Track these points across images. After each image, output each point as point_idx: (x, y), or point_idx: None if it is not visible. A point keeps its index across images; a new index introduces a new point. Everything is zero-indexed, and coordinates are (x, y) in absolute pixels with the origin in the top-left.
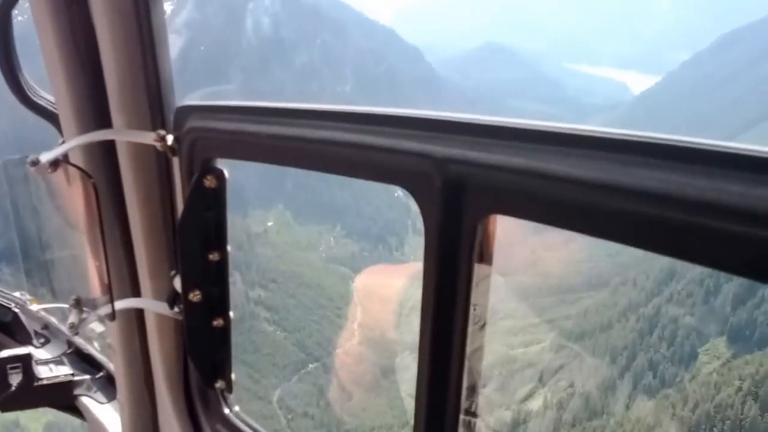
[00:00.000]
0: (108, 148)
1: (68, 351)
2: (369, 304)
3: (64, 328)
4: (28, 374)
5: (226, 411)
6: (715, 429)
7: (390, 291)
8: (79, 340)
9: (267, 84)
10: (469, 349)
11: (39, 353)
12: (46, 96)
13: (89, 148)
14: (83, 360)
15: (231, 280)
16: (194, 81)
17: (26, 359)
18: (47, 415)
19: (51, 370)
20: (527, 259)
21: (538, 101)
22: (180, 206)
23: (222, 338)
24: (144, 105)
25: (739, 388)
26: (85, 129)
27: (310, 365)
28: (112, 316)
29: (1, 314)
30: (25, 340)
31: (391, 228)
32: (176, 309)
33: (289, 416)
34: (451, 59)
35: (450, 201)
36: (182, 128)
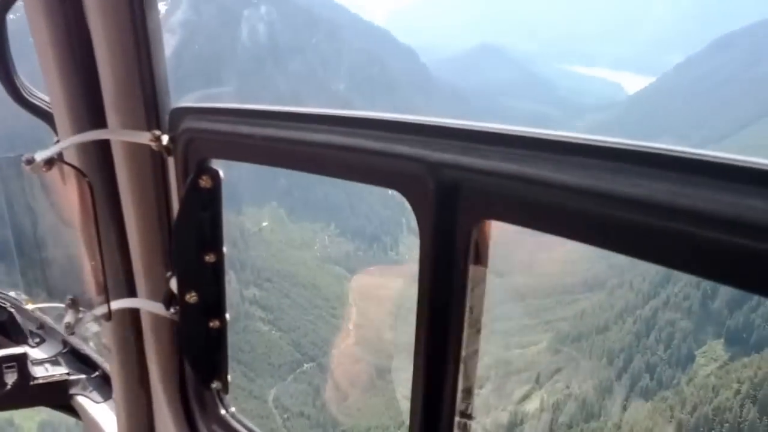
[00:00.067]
0: (103, 148)
1: (64, 350)
2: (365, 304)
3: (60, 328)
4: (24, 374)
5: (222, 412)
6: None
7: (386, 292)
8: (74, 340)
9: (262, 82)
10: (464, 351)
11: (34, 353)
12: (40, 95)
13: (84, 148)
14: (79, 359)
15: (225, 279)
16: (190, 81)
17: (22, 359)
18: (41, 414)
19: (46, 369)
20: (523, 260)
21: (532, 101)
22: (175, 207)
23: (218, 339)
24: (139, 105)
25: (738, 391)
26: (79, 128)
27: (306, 365)
28: (108, 316)
29: None
30: (21, 339)
31: (385, 227)
32: (172, 310)
33: (285, 416)
34: (446, 60)
35: (444, 205)
36: (177, 129)
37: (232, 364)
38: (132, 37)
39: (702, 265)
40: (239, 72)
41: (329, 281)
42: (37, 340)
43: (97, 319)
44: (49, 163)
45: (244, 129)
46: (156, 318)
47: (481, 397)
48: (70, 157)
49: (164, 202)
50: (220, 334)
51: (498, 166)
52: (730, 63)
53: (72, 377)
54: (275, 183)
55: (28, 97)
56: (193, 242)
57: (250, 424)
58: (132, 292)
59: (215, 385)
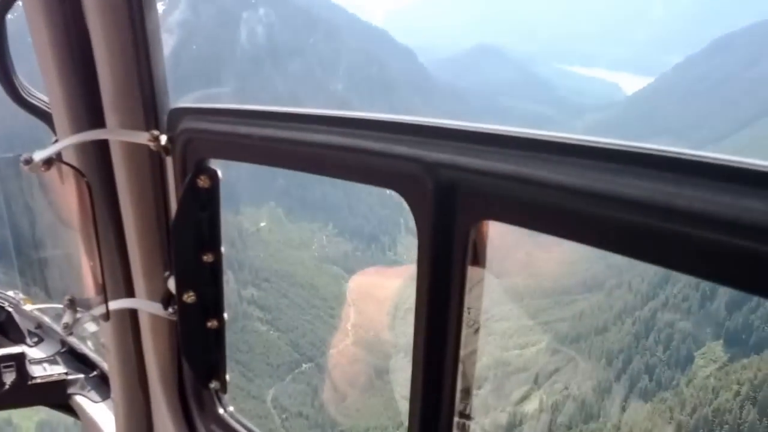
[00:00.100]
0: (101, 148)
1: (62, 350)
2: (363, 305)
3: (58, 328)
4: (22, 373)
5: (221, 411)
6: None
7: (384, 292)
8: (72, 340)
9: (260, 82)
10: (463, 352)
11: (32, 352)
12: (39, 95)
13: (83, 147)
14: (77, 359)
15: (223, 279)
16: (187, 82)
17: (20, 358)
18: (40, 413)
19: (45, 369)
20: (521, 260)
21: (531, 101)
22: (173, 207)
23: (216, 339)
24: (137, 105)
25: (738, 393)
26: (78, 128)
27: (304, 365)
28: (107, 316)
29: None
30: (19, 339)
31: (383, 227)
32: (170, 310)
33: (284, 416)
34: (444, 60)
35: (442, 205)
36: (176, 129)
37: (230, 364)
38: (131, 37)
39: (699, 266)
40: (237, 72)
41: (327, 281)
42: (36, 339)
43: (95, 319)
44: (48, 162)
45: (243, 129)
46: (154, 318)
47: (479, 397)
48: (69, 157)
49: (162, 202)
50: (219, 333)
51: (496, 167)
52: (729, 63)
53: (70, 377)
54: (273, 183)
55: (26, 97)
56: (191, 242)
57: (248, 424)
58: (130, 292)
59: (213, 384)
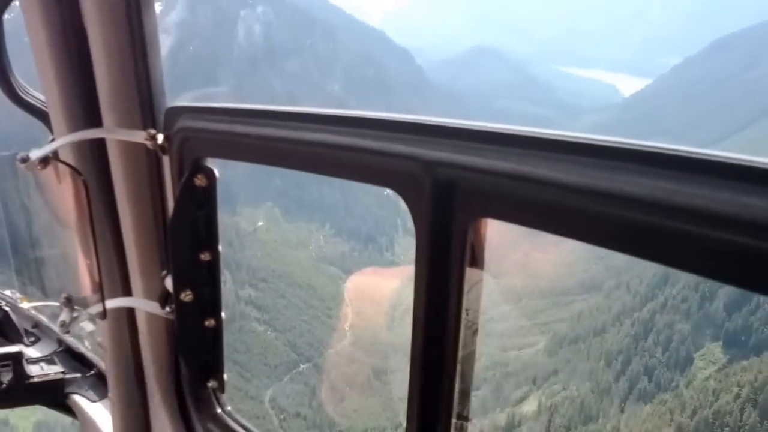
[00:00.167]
0: (98, 147)
1: (59, 349)
2: (360, 305)
3: (55, 327)
4: (19, 372)
5: (218, 410)
6: None
7: (382, 293)
8: (69, 339)
9: (257, 83)
10: (461, 353)
11: (29, 351)
12: (35, 94)
13: (79, 146)
14: (74, 358)
15: (221, 278)
16: (184, 81)
17: (17, 357)
18: (37, 414)
19: (42, 368)
20: (519, 260)
21: (528, 103)
22: (170, 205)
23: (214, 338)
24: (134, 104)
25: (738, 395)
26: (75, 127)
27: (302, 365)
28: (103, 314)
29: None
30: (16, 338)
31: (381, 227)
32: (167, 309)
33: (282, 416)
34: (441, 61)
35: (440, 204)
36: (172, 128)
37: (227, 365)
38: (128, 36)
39: (700, 263)
40: (234, 73)
41: (325, 281)
42: (33, 339)
43: (92, 317)
44: (45, 161)
45: (239, 128)
46: (151, 317)
47: (477, 398)
48: (66, 155)
49: (159, 200)
50: (216, 332)
51: (494, 165)
52: (727, 65)
53: (67, 376)
54: (270, 183)
55: (23, 95)
56: (188, 241)
57: (246, 423)
58: (127, 291)
59: (211, 383)
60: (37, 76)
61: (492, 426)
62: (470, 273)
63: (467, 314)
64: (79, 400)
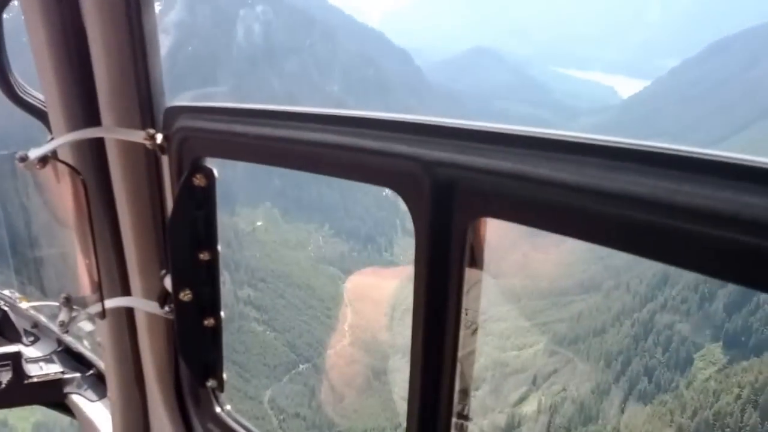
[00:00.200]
0: (97, 146)
1: (58, 349)
2: (360, 305)
3: (54, 327)
4: (18, 372)
5: (218, 409)
6: None
7: (381, 293)
8: (68, 339)
9: (256, 83)
10: (461, 352)
11: (29, 351)
12: (34, 93)
13: (78, 145)
14: (73, 358)
15: (220, 278)
16: (182, 82)
17: (16, 357)
18: (36, 414)
19: (41, 368)
20: (518, 261)
21: (526, 104)
22: (170, 205)
23: (213, 337)
24: (134, 104)
25: (738, 396)
26: (74, 126)
27: (301, 366)
28: (102, 314)
29: None
30: (15, 338)
31: (380, 228)
32: (167, 308)
33: (281, 417)
34: (440, 62)
35: (439, 203)
36: (172, 127)
37: (226, 365)
38: (128, 36)
39: (700, 262)
40: (233, 75)
41: (324, 282)
42: (32, 338)
43: (91, 317)
44: (43, 160)
45: (239, 128)
46: (150, 316)
47: (477, 398)
48: (65, 155)
49: (158, 200)
50: (215, 332)
51: (493, 165)
52: (726, 66)
53: (66, 376)
54: (269, 183)
55: (22, 94)
56: (187, 240)
57: (245, 422)
58: (126, 291)
59: (210, 383)
60: (36, 75)
61: (492, 426)
62: (470, 272)
63: (467, 314)
64: (78, 399)
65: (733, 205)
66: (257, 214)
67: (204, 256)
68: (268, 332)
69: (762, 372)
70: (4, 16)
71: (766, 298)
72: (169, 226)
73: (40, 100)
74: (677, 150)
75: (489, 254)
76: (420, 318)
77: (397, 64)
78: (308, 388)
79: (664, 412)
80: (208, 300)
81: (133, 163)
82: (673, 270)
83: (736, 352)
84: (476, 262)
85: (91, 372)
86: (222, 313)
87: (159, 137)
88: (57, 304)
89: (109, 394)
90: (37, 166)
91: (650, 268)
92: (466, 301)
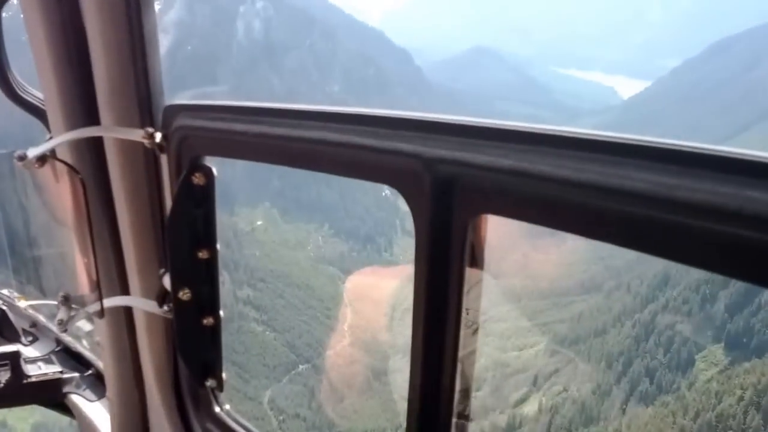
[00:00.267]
0: (96, 145)
1: (57, 349)
2: (359, 305)
3: (53, 326)
4: (17, 372)
5: (217, 409)
6: None
7: (381, 293)
8: (67, 338)
9: (256, 84)
10: (461, 352)
11: (27, 351)
12: (33, 92)
13: (77, 144)
14: (72, 358)
15: (219, 278)
16: (182, 81)
17: (14, 357)
18: (35, 415)
19: (39, 367)
20: (519, 261)
21: (527, 104)
22: (168, 204)
23: (212, 337)
24: (133, 102)
25: (741, 398)
26: (73, 125)
27: (301, 366)
28: (101, 313)
29: None
30: (13, 337)
31: (379, 228)
32: (166, 307)
33: (281, 417)
34: (440, 62)
35: (440, 201)
36: (171, 126)
37: (226, 365)
38: (127, 34)
39: (702, 257)
40: (233, 73)
41: (323, 282)
42: (30, 338)
43: (89, 316)
44: (42, 159)
45: (238, 126)
46: (149, 315)
47: (477, 399)
48: (63, 153)
49: (157, 199)
50: (214, 331)
51: (494, 161)
52: (727, 67)
53: (65, 375)
54: (269, 183)
55: (21, 93)
56: (186, 239)
57: (244, 422)
58: (125, 290)
59: (210, 382)
60: (35, 74)
61: (493, 427)
62: (470, 271)
63: (467, 313)
64: (77, 399)
65: (736, 200)
66: (256, 214)
67: (203, 255)
68: (267, 332)
69: (765, 374)
70: (4, 14)
71: (767, 299)
72: (168, 225)
73: (38, 98)
74: (679, 145)
75: (489, 254)
76: (420, 316)
77: (397, 64)
78: (308, 388)
79: (666, 413)
80: (207, 299)
81: (132, 162)
82: (674, 270)
83: (738, 353)
84: (477, 259)
85: (90, 372)
86: (221, 313)
87: (158, 136)
88: (55, 303)
89: (108, 393)
90: (36, 165)
91: (651, 269)
92: (467, 301)
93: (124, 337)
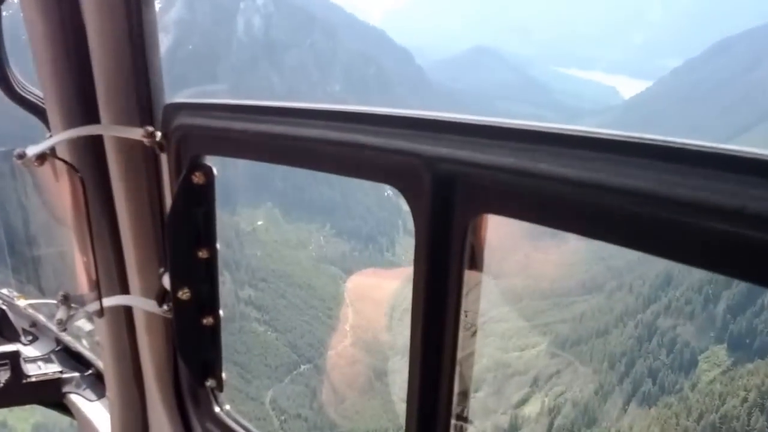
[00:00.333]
0: (95, 144)
1: (57, 348)
2: (361, 305)
3: (52, 326)
4: (17, 372)
5: (217, 409)
6: None
7: (382, 293)
8: (67, 338)
9: (256, 82)
10: (460, 354)
11: (27, 351)
12: (32, 90)
13: (76, 143)
14: (72, 357)
15: (220, 279)
16: (182, 80)
17: (14, 357)
18: (35, 415)
19: (39, 367)
20: (519, 261)
21: (527, 104)
22: (168, 203)
23: (212, 336)
24: (132, 101)
25: (745, 399)
26: (72, 124)
27: (302, 366)
28: (101, 312)
29: None
30: (13, 337)
31: (381, 228)
32: (165, 307)
33: (282, 417)
34: (441, 61)
35: (440, 200)
36: (170, 125)
37: (227, 365)
38: (127, 32)
39: (705, 257)
40: (233, 73)
41: (325, 282)
42: (30, 337)
43: (89, 315)
44: (41, 158)
45: (238, 125)
46: (149, 315)
47: (478, 399)
48: (63, 152)
49: (157, 198)
50: (214, 330)
51: (495, 160)
52: (728, 67)
53: (65, 375)
54: (270, 183)
55: (20, 91)
56: (186, 238)
57: (244, 422)
58: (125, 289)
59: (210, 382)
60: (34, 73)
61: (493, 428)
62: (469, 274)
63: (466, 316)
64: (77, 399)
65: (739, 199)
66: (258, 214)
67: (203, 254)
68: (269, 332)
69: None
70: (3, 13)
71: None
72: (167, 224)
73: (38, 96)
74: (681, 143)
75: (490, 254)
76: (419, 315)
77: (398, 63)
78: (310, 388)
79: (670, 415)
80: (207, 298)
81: (131, 161)
82: (676, 271)
83: (741, 354)
84: (477, 259)
85: (89, 371)
86: (221, 312)
87: (158, 135)
88: (55, 302)
89: (107, 393)
90: (35, 164)
91: (653, 269)
92: (466, 302)
93: (123, 336)
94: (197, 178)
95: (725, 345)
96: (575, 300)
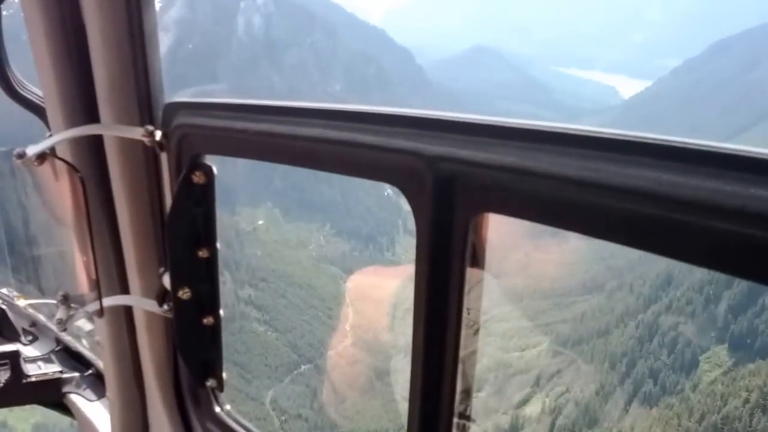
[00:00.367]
0: (95, 143)
1: (57, 348)
2: (361, 305)
3: (52, 326)
4: (16, 371)
5: (217, 409)
6: None
7: (383, 293)
8: (67, 338)
9: (257, 81)
10: (462, 352)
11: (27, 350)
12: (33, 89)
13: (76, 142)
14: (72, 357)
15: (220, 278)
16: (182, 80)
17: (14, 356)
18: (36, 415)
19: (39, 367)
20: (520, 261)
21: (527, 104)
22: (168, 202)
23: (212, 336)
24: (132, 100)
25: (747, 400)
26: (72, 123)
27: (303, 366)
28: (101, 312)
29: None
30: (13, 337)
31: (381, 227)
32: (165, 306)
33: (283, 418)
34: (441, 61)
35: (441, 199)
36: (171, 124)
37: (228, 365)
38: (127, 32)
39: (705, 256)
40: (233, 72)
41: (325, 281)
42: (30, 337)
43: (89, 315)
44: (41, 157)
45: (238, 124)
46: (149, 315)
47: (479, 399)
48: (63, 152)
49: (157, 197)
50: (215, 330)
51: (496, 159)
52: (728, 67)
53: (65, 375)
54: (270, 183)
55: (20, 90)
56: (186, 238)
57: (245, 422)
58: (125, 289)
59: (210, 382)
60: (34, 73)
61: (495, 427)
62: (471, 273)
63: (468, 313)
64: (77, 399)
65: (739, 198)
66: (258, 214)
67: (203, 253)
68: (269, 332)
69: None
70: (4, 12)
71: None
72: (167, 224)
73: (38, 96)
74: (682, 142)
75: (491, 254)
76: (421, 314)
77: (398, 63)
78: (310, 388)
79: (671, 415)
80: (207, 298)
81: (131, 160)
82: (676, 271)
83: (743, 355)
84: (478, 258)
85: (90, 371)
86: (221, 312)
87: (158, 134)
88: (55, 302)
89: (107, 393)
90: (35, 163)
91: (653, 269)
92: (468, 300)
93: (123, 336)
94: (197, 177)
95: (726, 345)
96: (576, 300)
